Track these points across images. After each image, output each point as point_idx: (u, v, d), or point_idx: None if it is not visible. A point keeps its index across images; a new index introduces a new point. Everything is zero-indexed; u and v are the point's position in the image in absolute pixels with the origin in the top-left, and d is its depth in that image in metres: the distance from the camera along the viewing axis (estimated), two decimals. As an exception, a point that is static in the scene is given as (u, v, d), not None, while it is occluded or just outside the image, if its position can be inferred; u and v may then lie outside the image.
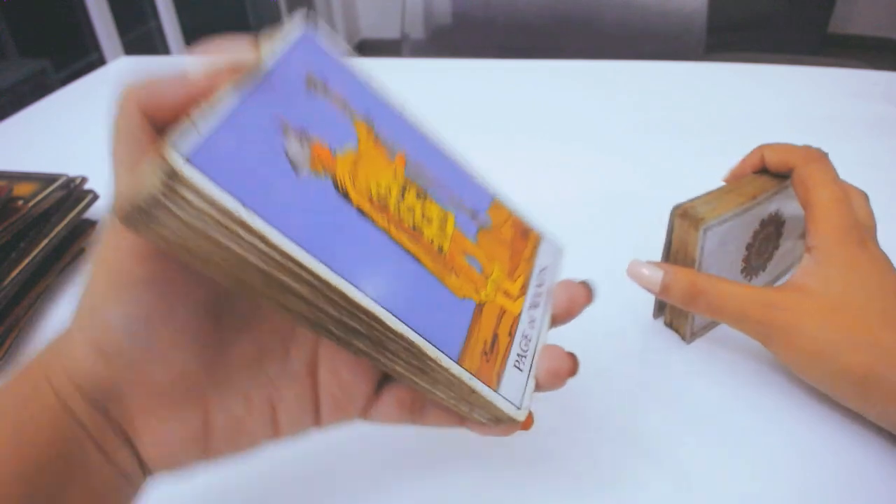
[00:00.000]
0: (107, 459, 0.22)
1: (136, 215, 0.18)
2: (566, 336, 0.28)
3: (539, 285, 0.27)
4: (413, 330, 0.21)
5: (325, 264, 0.20)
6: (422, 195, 0.25)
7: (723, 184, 0.39)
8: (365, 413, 0.25)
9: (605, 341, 0.39)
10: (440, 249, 0.24)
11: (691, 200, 0.36)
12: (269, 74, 0.21)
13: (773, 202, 0.37)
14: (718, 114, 0.66)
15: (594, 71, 0.80)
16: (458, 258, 0.25)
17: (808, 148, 0.36)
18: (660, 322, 0.40)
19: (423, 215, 0.24)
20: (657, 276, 0.35)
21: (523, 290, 0.26)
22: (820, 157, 0.35)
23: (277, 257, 0.19)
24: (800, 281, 0.32)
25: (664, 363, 0.37)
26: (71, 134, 0.70)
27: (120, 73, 0.86)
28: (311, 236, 0.20)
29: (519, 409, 0.23)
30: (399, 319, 0.21)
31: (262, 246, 0.19)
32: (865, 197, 0.36)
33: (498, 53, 0.85)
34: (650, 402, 0.35)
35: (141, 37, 2.04)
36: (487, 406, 0.23)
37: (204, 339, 0.22)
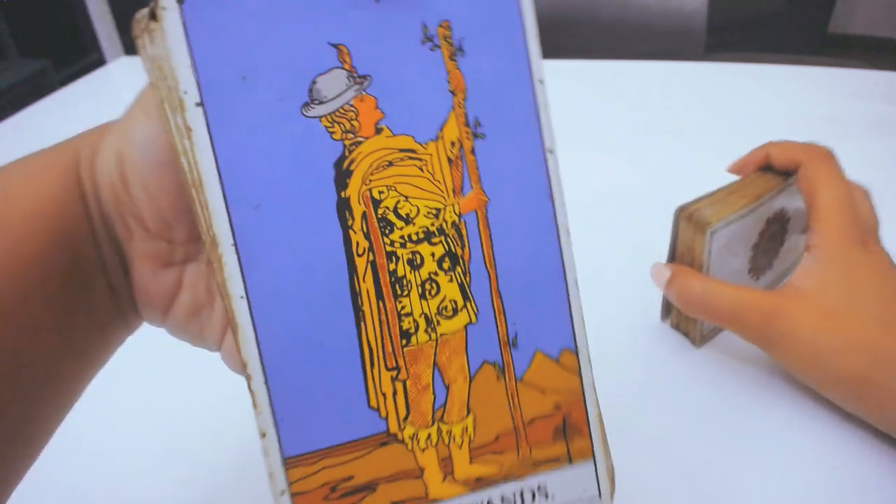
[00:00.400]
0: (106, 269, 0.21)
1: (134, 33, 0.16)
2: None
3: None
4: (267, 387, 0.16)
5: (231, 229, 0.15)
6: (452, 265, 0.17)
7: (727, 175, 0.39)
8: None
9: (609, 342, 0.39)
10: (405, 336, 0.16)
11: (696, 202, 0.36)
12: None
13: (778, 200, 0.37)
14: (718, 114, 0.66)
15: (594, 71, 0.79)
16: (422, 367, 0.16)
17: (814, 145, 0.36)
18: (668, 324, 0.40)
19: (424, 282, 0.16)
20: (664, 276, 0.35)
21: (476, 485, 0.17)
22: (826, 154, 0.35)
23: (192, 172, 0.16)
24: (799, 282, 0.32)
25: (670, 365, 0.37)
26: (71, 134, 0.69)
27: (120, 73, 0.86)
28: (246, 185, 0.15)
29: None
30: (260, 363, 0.16)
31: (186, 144, 0.15)
32: (868, 194, 0.35)
33: (498, 53, 0.85)
34: (656, 405, 0.35)
35: (141, 37, 2.03)
36: None
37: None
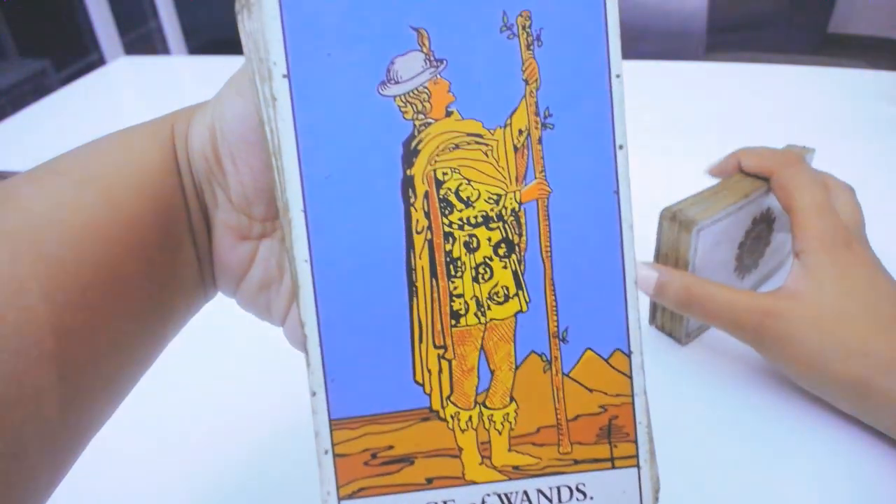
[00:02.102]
0: (194, 235, 0.22)
1: (236, 8, 0.17)
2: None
3: None
4: (321, 348, 0.16)
5: (303, 196, 0.16)
6: (508, 252, 0.17)
7: (708, 177, 0.39)
8: None
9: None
10: (455, 316, 0.17)
11: (679, 203, 0.36)
12: None
13: (766, 199, 0.37)
14: (718, 114, 0.66)
15: (594, 71, 0.79)
16: (468, 349, 0.17)
17: (783, 152, 0.36)
18: (653, 327, 0.40)
19: (478, 265, 0.17)
20: (652, 276, 0.34)
21: (513, 473, 0.17)
22: (796, 160, 0.35)
23: (274, 139, 0.17)
24: (792, 287, 0.32)
25: (660, 368, 0.37)
26: (71, 134, 0.69)
27: (120, 73, 0.86)
28: (320, 155, 0.16)
29: None
30: (317, 325, 0.16)
31: (271, 113, 0.16)
32: (851, 191, 0.35)
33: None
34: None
35: (141, 37, 2.04)
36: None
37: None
